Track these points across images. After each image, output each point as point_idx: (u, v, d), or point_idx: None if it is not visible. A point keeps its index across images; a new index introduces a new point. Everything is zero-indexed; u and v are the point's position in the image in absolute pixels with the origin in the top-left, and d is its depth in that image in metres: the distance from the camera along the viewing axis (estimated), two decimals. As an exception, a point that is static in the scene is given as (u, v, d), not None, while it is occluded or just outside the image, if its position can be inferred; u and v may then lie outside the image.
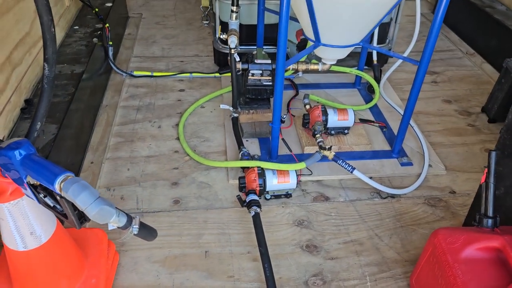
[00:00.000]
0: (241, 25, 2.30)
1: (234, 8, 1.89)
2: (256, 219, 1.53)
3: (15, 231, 1.04)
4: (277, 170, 1.66)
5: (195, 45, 2.74)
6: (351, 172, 1.71)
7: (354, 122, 1.95)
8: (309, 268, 1.47)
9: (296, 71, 1.90)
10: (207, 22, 2.85)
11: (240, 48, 2.38)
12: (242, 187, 1.66)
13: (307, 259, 1.50)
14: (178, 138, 1.98)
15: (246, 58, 1.90)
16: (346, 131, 1.94)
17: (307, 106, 1.98)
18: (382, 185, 1.74)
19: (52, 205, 0.91)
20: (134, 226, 0.90)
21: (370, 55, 2.34)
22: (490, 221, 1.19)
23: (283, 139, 1.89)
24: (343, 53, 1.77)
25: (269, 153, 1.85)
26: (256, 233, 1.49)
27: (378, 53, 2.34)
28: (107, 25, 2.29)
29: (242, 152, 1.79)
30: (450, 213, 1.68)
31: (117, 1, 2.67)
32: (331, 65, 1.86)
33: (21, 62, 1.66)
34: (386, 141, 1.98)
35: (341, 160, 1.71)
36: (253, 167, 1.66)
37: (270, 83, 1.89)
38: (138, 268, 1.45)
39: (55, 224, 1.14)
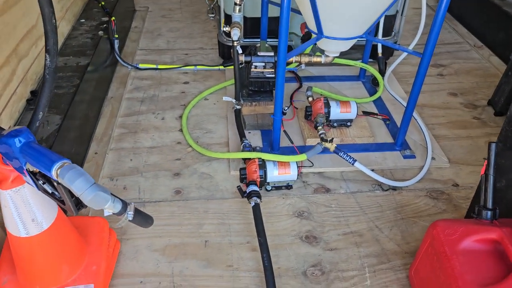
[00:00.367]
0: (245, 18, 2.31)
1: (238, 1, 1.89)
2: (256, 209, 1.53)
3: (17, 217, 1.06)
4: (278, 161, 1.67)
5: (200, 38, 2.75)
6: (352, 164, 1.71)
7: (357, 114, 1.95)
8: (308, 259, 1.48)
9: (299, 63, 1.90)
10: (213, 15, 2.86)
11: (244, 41, 2.39)
12: (243, 178, 1.67)
13: (306, 250, 1.51)
14: (181, 130, 1.99)
15: (249, 50, 1.90)
16: (348, 124, 1.94)
17: (310, 99, 1.98)
18: (384, 177, 1.74)
19: (50, 191, 0.93)
20: (129, 212, 0.92)
21: (375, 48, 2.33)
22: (489, 213, 1.18)
23: (284, 131, 1.89)
24: (346, 46, 1.77)
25: (271, 145, 1.86)
26: (255, 223, 1.50)
27: (383, 46, 2.33)
28: (113, 18, 2.31)
29: (243, 143, 1.80)
30: (452, 206, 1.67)
31: (123, -6, 2.69)
32: (334, 57, 1.85)
33: (27, 54, 1.69)
34: (389, 134, 1.97)
35: (342, 152, 1.71)
36: (254, 158, 1.67)
37: (273, 76, 1.89)
38: (139, 256, 1.47)
39: (56, 212, 1.16)
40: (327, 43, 1.74)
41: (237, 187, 1.62)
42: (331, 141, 1.73)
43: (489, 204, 1.18)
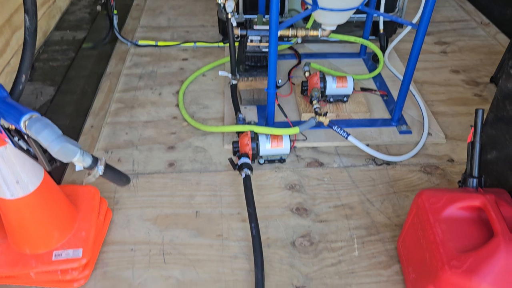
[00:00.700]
0: (245, -6, 2.29)
1: (233, -27, 1.87)
2: (247, 181, 1.54)
3: (1, 179, 1.09)
4: (270, 134, 1.66)
5: (202, 16, 2.74)
6: (346, 138, 1.70)
7: (354, 90, 1.93)
8: (297, 230, 1.49)
9: (295, 37, 1.88)
10: (215, -8, 2.83)
11: (245, 18, 2.37)
12: (235, 151, 1.67)
13: (296, 221, 1.51)
14: (177, 105, 2.00)
15: (245, 24, 1.89)
16: (345, 99, 1.92)
17: (307, 74, 1.96)
18: (379, 152, 1.72)
19: (25, 148, 0.95)
20: (99, 167, 0.93)
21: (377, 25, 2.29)
22: (474, 181, 1.17)
23: (279, 105, 1.88)
24: (343, 18, 1.74)
25: (266, 119, 1.85)
26: (245, 194, 1.51)
27: (385, 22, 2.29)
28: (112, -6, 2.32)
29: (238, 117, 1.80)
30: (446, 181, 1.65)
31: (124, -28, 2.69)
32: (331, 31, 1.83)
33: (22, 26, 1.70)
34: (386, 110, 1.95)
35: (336, 126, 1.70)
36: (247, 131, 1.67)
37: (269, 50, 1.87)
38: (130, 225, 1.49)
39: (42, 175, 1.18)
40: (322, 15, 1.71)
41: (229, 159, 1.63)
42: (325, 115, 1.72)
43: (475, 172, 1.17)
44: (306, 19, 2.31)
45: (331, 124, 1.71)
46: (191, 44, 2.41)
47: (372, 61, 2.27)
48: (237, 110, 1.87)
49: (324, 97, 1.90)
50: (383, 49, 2.26)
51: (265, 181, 1.65)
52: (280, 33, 1.79)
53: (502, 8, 2.58)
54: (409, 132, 1.83)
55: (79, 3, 2.21)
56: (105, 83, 2.12)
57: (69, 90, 1.77)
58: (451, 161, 1.73)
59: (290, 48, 2.34)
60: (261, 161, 1.69)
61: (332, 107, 1.91)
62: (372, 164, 1.72)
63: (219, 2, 1.85)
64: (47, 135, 0.84)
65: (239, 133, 1.74)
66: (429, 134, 1.82)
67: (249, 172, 1.56)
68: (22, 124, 0.85)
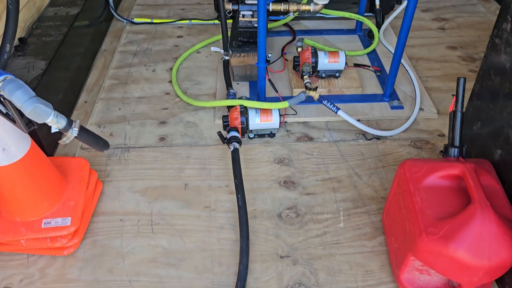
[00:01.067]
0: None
1: None
2: (235, 154, 1.56)
3: (-13, 146, 1.11)
4: (260, 109, 1.67)
5: (198, -6, 2.72)
6: (336, 112, 1.70)
7: (347, 65, 1.92)
8: (284, 202, 1.50)
9: (288, 12, 1.86)
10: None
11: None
12: (225, 126, 1.68)
13: (283, 194, 1.53)
14: (170, 81, 2.01)
15: (237, -1, 1.89)
16: (337, 74, 1.91)
17: (299, 49, 1.95)
18: (370, 127, 1.72)
19: (5, 112, 0.97)
20: (74, 129, 0.95)
21: (373, 1, 2.26)
22: (455, 150, 1.17)
23: (269, 80, 1.89)
24: (334, -8, 1.73)
25: (258, 95, 1.86)
26: (233, 166, 1.52)
27: (381, -1, 2.26)
28: (107, -29, 2.31)
29: (228, 92, 1.80)
30: (435, 155, 1.65)
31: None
32: (323, 5, 1.81)
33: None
34: (379, 86, 1.94)
35: (326, 101, 1.70)
36: (236, 106, 1.68)
37: (261, 25, 1.87)
38: (120, 196, 1.52)
39: (29, 143, 1.21)
40: (313, -11, 1.71)
41: (218, 133, 1.64)
42: (315, 89, 1.72)
43: (456, 142, 1.17)
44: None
45: (321, 98, 1.71)
46: (187, 21, 2.40)
47: (368, 38, 2.25)
48: (228, 85, 1.87)
49: (316, 72, 1.89)
50: (379, 26, 2.23)
51: (254, 155, 1.67)
52: (272, 7, 1.78)
53: (504, -17, 2.53)
54: (401, 107, 1.83)
55: (73, -20, 2.21)
56: (99, 60, 2.13)
57: (63, 66, 1.78)
58: (442, 136, 1.73)
59: (285, 24, 2.33)
60: (251, 135, 1.71)
61: (324, 83, 1.90)
62: (362, 139, 1.72)
63: (210, -24, 1.84)
64: (20, 96, 0.85)
65: (229, 108, 1.75)
66: (421, 109, 1.82)
67: (237, 145, 1.58)
68: (-4, 86, 0.87)
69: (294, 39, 2.22)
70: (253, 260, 1.34)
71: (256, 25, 1.91)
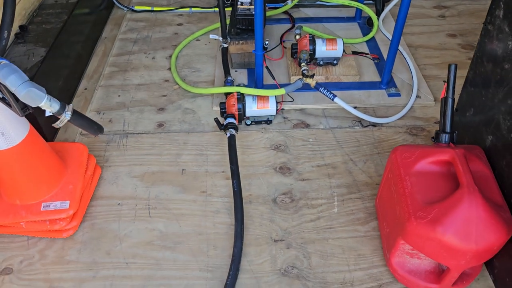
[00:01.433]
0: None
1: None
2: (231, 140, 1.58)
3: (-14, 131, 1.14)
4: (257, 96, 1.69)
5: (199, -19, 2.72)
6: (332, 99, 1.71)
7: (345, 53, 1.92)
8: (279, 187, 1.52)
9: (285, -1, 1.87)
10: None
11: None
12: (222, 112, 1.70)
13: (279, 180, 1.55)
14: (170, 69, 2.03)
15: (236, -14, 1.89)
16: (335, 62, 1.92)
17: (297, 37, 1.96)
18: (366, 114, 1.73)
19: (1, 96, 0.99)
20: (67, 112, 0.97)
21: (373, -13, 2.25)
22: (446, 136, 1.18)
23: (267, 67, 1.90)
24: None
25: (255, 82, 1.87)
26: (229, 152, 1.54)
27: (381, -15, 2.25)
28: (108, -41, 2.32)
29: (226, 79, 1.82)
30: (430, 142, 1.66)
31: None
32: (322, -8, 1.81)
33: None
34: (377, 73, 1.95)
35: (323, 88, 1.71)
36: (233, 92, 1.69)
37: (259, 12, 1.87)
38: (118, 181, 1.55)
39: (27, 128, 1.23)
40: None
41: (215, 119, 1.66)
42: (311, 77, 1.73)
43: (447, 128, 1.18)
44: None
45: (318, 85, 1.72)
46: (187, 9, 2.41)
47: (367, 25, 2.25)
48: (226, 73, 1.89)
49: (314, 60, 1.90)
50: (378, 13, 2.23)
51: (251, 141, 1.68)
52: (269, -6, 1.78)
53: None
54: (398, 94, 1.83)
55: (74, -32, 2.22)
56: (100, 47, 2.15)
57: (63, 53, 1.81)
58: (438, 123, 1.73)
59: (285, 12, 2.33)
60: (248, 122, 1.72)
61: (321, 70, 1.91)
62: (358, 126, 1.73)
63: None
64: (14, 80, 0.88)
65: (227, 95, 1.76)
66: (418, 96, 1.82)
67: (234, 131, 1.60)
68: (-10, 70, 0.90)
69: (293, 26, 2.23)
70: (248, 244, 1.36)
71: (254, 12, 1.91)
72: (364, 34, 2.20)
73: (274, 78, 1.86)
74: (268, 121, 1.73)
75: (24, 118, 1.21)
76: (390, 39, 2.08)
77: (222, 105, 1.69)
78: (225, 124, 1.63)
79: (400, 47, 1.95)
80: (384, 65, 1.97)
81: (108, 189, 1.53)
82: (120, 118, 1.78)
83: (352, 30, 2.24)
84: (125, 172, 1.58)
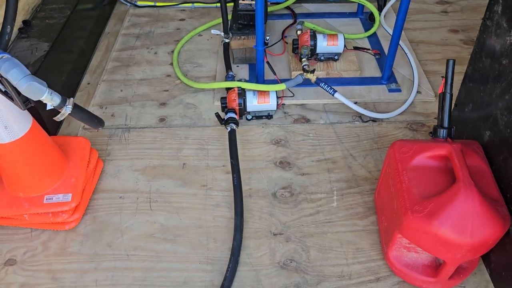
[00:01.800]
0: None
1: None
2: (232, 134, 1.59)
3: (-10, 124, 1.16)
4: (257, 90, 1.70)
5: (202, -23, 2.72)
6: (333, 94, 1.72)
7: (346, 48, 1.93)
8: (279, 182, 1.54)
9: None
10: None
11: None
12: (223, 107, 1.71)
13: (279, 174, 1.56)
14: (172, 64, 2.04)
15: (237, -19, 1.89)
16: (336, 57, 1.92)
17: (299, 32, 1.96)
18: (367, 110, 1.74)
19: (3, 90, 1.01)
20: (67, 106, 0.99)
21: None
22: (444, 131, 1.19)
23: (267, 62, 1.91)
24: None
25: (257, 77, 1.88)
26: (229, 147, 1.56)
27: (384, -20, 2.25)
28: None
29: (227, 75, 1.83)
30: (429, 138, 1.66)
31: None
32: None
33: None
34: (378, 69, 1.95)
35: (323, 83, 1.72)
36: (234, 87, 1.71)
37: (260, 8, 1.88)
38: (120, 175, 1.57)
39: (30, 122, 1.25)
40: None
41: (215, 114, 1.67)
42: (312, 72, 1.74)
43: (445, 123, 1.18)
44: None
45: (318, 81, 1.73)
46: (189, 4, 2.42)
47: (369, 21, 2.25)
48: (228, 68, 1.90)
49: (315, 55, 1.91)
50: (380, 9, 2.23)
51: (251, 136, 1.70)
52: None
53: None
54: (399, 90, 1.84)
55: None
56: (103, 42, 2.17)
57: (66, 48, 1.82)
58: (438, 119, 1.74)
59: (287, 8, 2.34)
60: (249, 117, 1.74)
61: (322, 66, 1.92)
62: (359, 121, 1.74)
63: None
64: (16, 74, 0.89)
65: (228, 90, 1.77)
66: (418, 92, 1.83)
67: (234, 126, 1.61)
68: (-8, 64, 0.91)
69: (295, 22, 2.23)
70: (247, 237, 1.38)
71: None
72: (366, 30, 2.20)
73: (275, 73, 1.87)
74: (269, 116, 1.74)
75: (27, 112, 1.23)
76: (391, 34, 2.09)
77: (223, 100, 1.71)
78: (226, 118, 1.64)
79: (401, 43, 1.95)
80: (385, 61, 1.98)
81: (110, 182, 1.55)
82: (122, 113, 1.80)
83: (354, 25, 2.24)
84: (126, 165, 1.60)
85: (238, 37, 1.96)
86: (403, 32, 2.15)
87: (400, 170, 1.18)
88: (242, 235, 1.36)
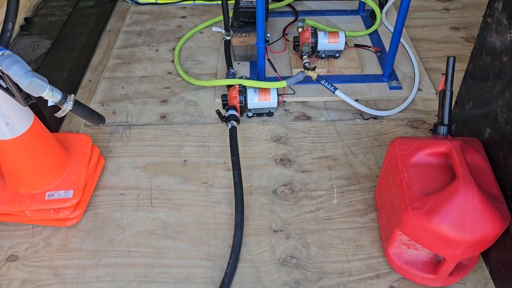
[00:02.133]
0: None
1: None
2: (232, 131, 1.59)
3: (-8, 121, 1.17)
4: (258, 88, 1.70)
5: (203, -26, 2.72)
6: (333, 92, 1.72)
7: (347, 46, 1.93)
8: (279, 179, 1.54)
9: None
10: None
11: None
12: (224, 104, 1.72)
13: (279, 171, 1.57)
14: (173, 61, 2.04)
15: (238, -21, 1.90)
16: (337, 55, 1.92)
17: (300, 29, 1.96)
18: (367, 107, 1.74)
19: (5, 86, 1.02)
20: (68, 102, 0.99)
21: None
22: (444, 128, 1.19)
23: (268, 60, 1.91)
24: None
25: (258, 75, 1.88)
26: (230, 144, 1.56)
27: (385, -22, 2.24)
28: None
29: (228, 72, 1.83)
30: (430, 135, 1.67)
31: None
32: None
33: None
34: (379, 66, 1.95)
35: (324, 80, 1.72)
36: (235, 85, 1.71)
37: (261, 5, 1.88)
38: (122, 172, 1.58)
39: (31, 119, 1.26)
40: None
41: (216, 111, 1.68)
42: (313, 69, 1.74)
43: (445, 120, 1.18)
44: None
45: (319, 78, 1.73)
46: (191, 2, 2.42)
47: (370, 18, 2.25)
48: (229, 65, 1.90)
49: (316, 52, 1.91)
50: (382, 6, 2.23)
51: (252, 133, 1.70)
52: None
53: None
54: (400, 87, 1.84)
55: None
56: (104, 40, 2.17)
57: (67, 46, 1.83)
58: (439, 116, 1.74)
59: (288, 5, 2.34)
60: (250, 114, 1.74)
61: (323, 63, 1.92)
62: (359, 119, 1.74)
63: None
64: (17, 70, 0.90)
65: (229, 87, 1.78)
66: (419, 89, 1.83)
67: (235, 123, 1.61)
68: (-6, 61, 0.92)
69: (296, 19, 2.23)
70: (248, 234, 1.39)
71: (257, 5, 1.92)
72: (367, 27, 2.20)
73: (276, 71, 1.87)
74: (270, 113, 1.75)
75: (28, 109, 1.24)
76: (391, 31, 2.09)
77: (224, 97, 1.71)
78: (226, 116, 1.64)
79: (402, 40, 1.95)
80: (386, 58, 1.98)
81: (111, 179, 1.55)
82: (124, 110, 1.81)
83: (355, 23, 2.24)
84: (128, 162, 1.60)
85: (239, 35, 1.97)
86: (404, 29, 2.15)
87: (400, 167, 1.18)
88: (243, 232, 1.37)
